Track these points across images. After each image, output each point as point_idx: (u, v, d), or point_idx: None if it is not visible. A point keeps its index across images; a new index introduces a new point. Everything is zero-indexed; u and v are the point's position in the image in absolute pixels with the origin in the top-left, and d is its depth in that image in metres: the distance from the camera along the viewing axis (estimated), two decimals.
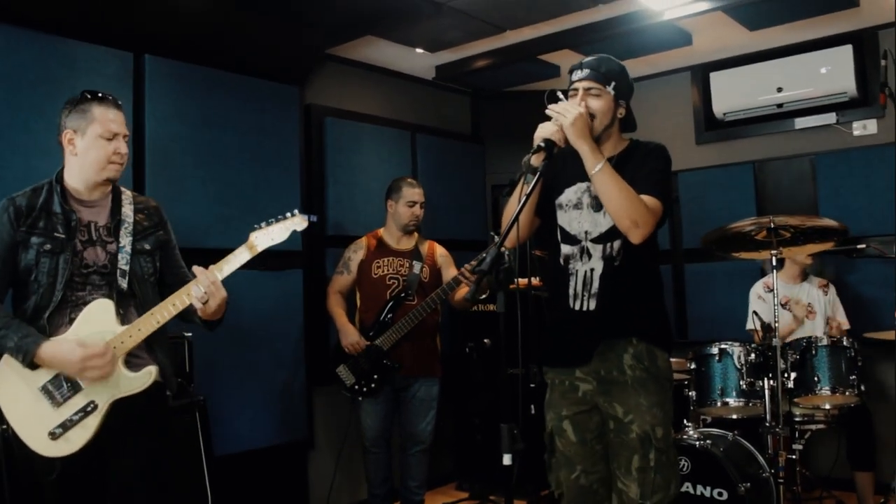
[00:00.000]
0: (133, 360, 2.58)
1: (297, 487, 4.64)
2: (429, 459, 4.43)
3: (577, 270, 2.76)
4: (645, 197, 2.62)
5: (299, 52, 4.61)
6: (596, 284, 2.72)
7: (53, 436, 2.44)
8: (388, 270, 4.30)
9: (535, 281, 4.79)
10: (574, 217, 2.78)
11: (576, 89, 2.74)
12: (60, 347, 2.45)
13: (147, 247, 2.71)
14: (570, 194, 2.80)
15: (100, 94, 2.65)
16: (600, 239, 2.73)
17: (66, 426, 2.45)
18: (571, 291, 2.76)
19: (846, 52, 4.81)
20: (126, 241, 2.64)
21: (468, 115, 6.09)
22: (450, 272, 4.37)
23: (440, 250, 4.49)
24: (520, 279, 2.69)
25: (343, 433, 4.55)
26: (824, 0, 4.33)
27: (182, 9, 3.89)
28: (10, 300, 2.61)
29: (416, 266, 4.32)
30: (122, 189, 2.76)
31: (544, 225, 2.86)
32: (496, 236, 4.35)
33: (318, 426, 4.77)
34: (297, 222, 2.77)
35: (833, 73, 4.85)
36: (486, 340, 4.97)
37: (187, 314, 2.67)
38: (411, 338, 4.20)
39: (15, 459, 2.58)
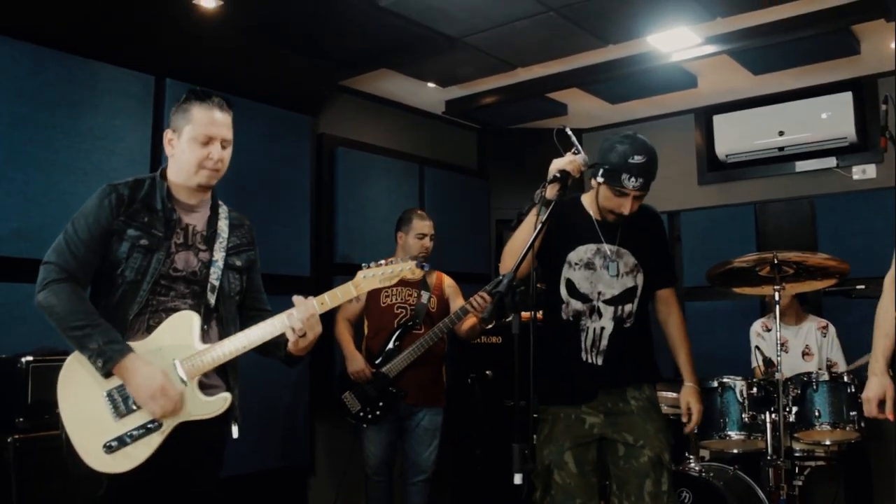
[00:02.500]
0: (206, 383, 2.42)
1: None
2: (430, 489, 4.43)
3: (587, 328, 2.89)
4: (672, 290, 3.15)
5: (314, 83, 4.72)
6: (604, 343, 2.88)
7: (109, 449, 2.25)
8: (396, 299, 4.34)
9: (539, 315, 4.84)
10: (585, 276, 2.90)
11: (625, 194, 2.79)
12: (144, 369, 2.27)
13: (238, 263, 2.57)
14: (581, 253, 2.91)
15: (204, 92, 2.50)
16: (612, 301, 2.89)
17: (123, 441, 2.27)
18: (583, 346, 2.89)
19: (846, 98, 4.94)
20: (219, 255, 2.50)
21: (474, 150, 6.19)
22: (457, 302, 4.42)
23: (448, 281, 4.54)
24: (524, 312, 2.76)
25: (344, 460, 4.56)
26: (826, 47, 4.46)
27: (204, 36, 4.01)
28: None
29: (424, 296, 4.36)
30: (220, 202, 2.64)
31: (545, 273, 2.97)
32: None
33: (320, 452, 4.78)
34: (409, 268, 2.56)
35: (833, 118, 4.97)
36: (487, 372, 5.00)
37: (270, 346, 2.48)
38: (417, 366, 4.22)
39: (58, 470, 2.39)
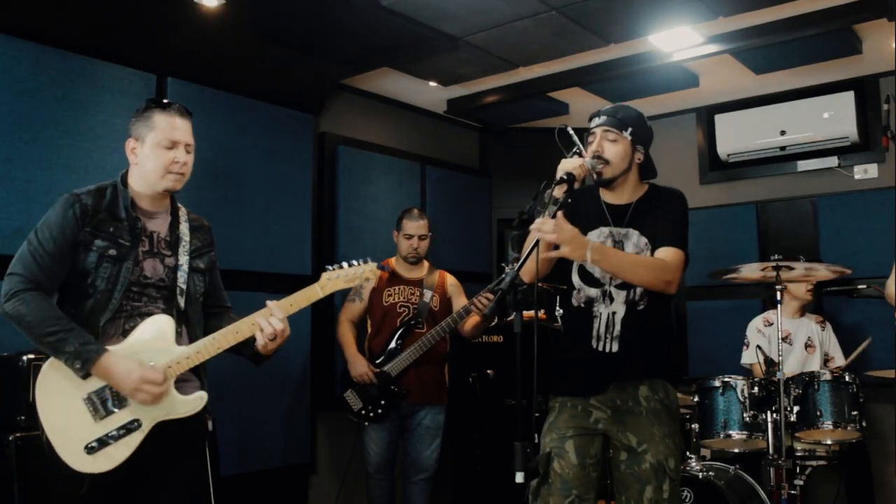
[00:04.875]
0: (181, 383, 2.48)
1: None
2: (431, 488, 4.44)
3: (600, 313, 2.83)
4: (669, 249, 2.76)
5: (316, 81, 4.71)
6: (618, 328, 2.80)
7: (90, 450, 2.32)
8: (398, 298, 4.35)
9: (541, 314, 4.86)
10: None
11: (594, 133, 2.85)
12: (120, 363, 2.34)
13: (202, 265, 2.65)
14: (593, 237, 2.86)
15: (164, 102, 2.56)
16: (624, 284, 2.81)
17: (104, 441, 2.34)
18: (595, 333, 2.83)
19: (848, 97, 4.94)
20: (184, 259, 2.57)
21: (476, 149, 6.19)
22: (460, 301, 4.43)
23: (450, 279, 4.54)
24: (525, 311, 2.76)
25: (345, 459, 4.57)
26: (828, 47, 4.46)
27: (205, 35, 4.00)
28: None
29: (427, 294, 4.37)
30: (179, 205, 2.69)
31: (560, 264, 2.92)
32: (507, 267, 4.44)
33: (321, 451, 4.78)
34: (370, 269, 2.69)
35: (835, 117, 4.97)
36: (489, 371, 5.00)
37: (240, 345, 2.56)
38: (419, 365, 4.24)
39: (49, 470, 2.40)
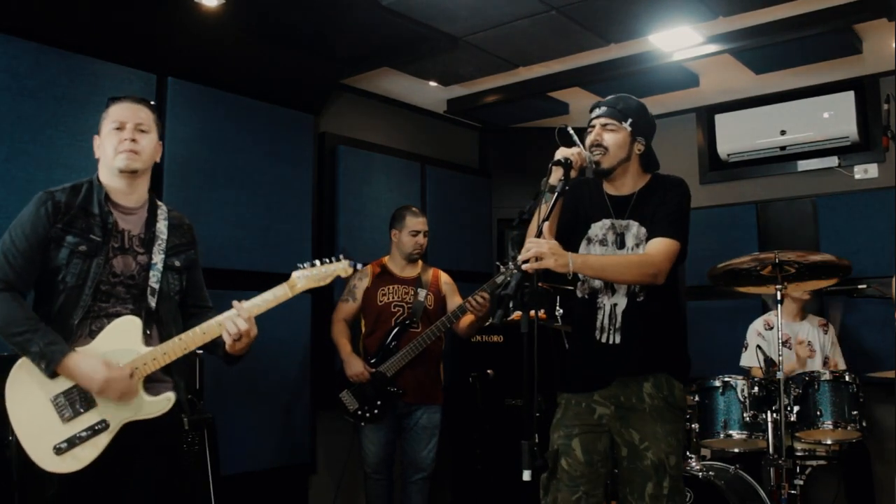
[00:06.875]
0: (151, 383, 2.50)
1: None
2: (429, 487, 4.43)
3: (604, 305, 2.85)
4: (658, 240, 2.76)
5: (316, 82, 4.71)
6: (619, 319, 2.81)
7: (58, 451, 2.34)
8: (393, 298, 4.34)
9: (541, 314, 4.84)
10: (599, 252, 2.87)
11: (593, 125, 2.87)
12: (85, 362, 2.36)
13: (177, 264, 2.64)
14: (596, 229, 2.89)
15: (120, 96, 2.62)
16: None
17: (72, 442, 2.35)
18: (598, 325, 2.84)
19: (848, 97, 4.94)
20: (158, 258, 2.56)
21: (476, 149, 6.20)
22: (454, 300, 4.42)
23: (444, 278, 4.54)
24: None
25: (345, 459, 4.56)
26: (828, 47, 4.46)
27: (206, 35, 4.01)
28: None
29: (421, 293, 4.36)
30: (159, 202, 2.70)
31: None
32: (502, 266, 4.42)
33: (321, 450, 4.78)
34: (342, 268, 2.67)
35: (835, 117, 4.97)
36: (489, 371, 4.99)
37: (211, 345, 2.58)
38: (415, 365, 4.23)
39: (22, 471, 2.42)
